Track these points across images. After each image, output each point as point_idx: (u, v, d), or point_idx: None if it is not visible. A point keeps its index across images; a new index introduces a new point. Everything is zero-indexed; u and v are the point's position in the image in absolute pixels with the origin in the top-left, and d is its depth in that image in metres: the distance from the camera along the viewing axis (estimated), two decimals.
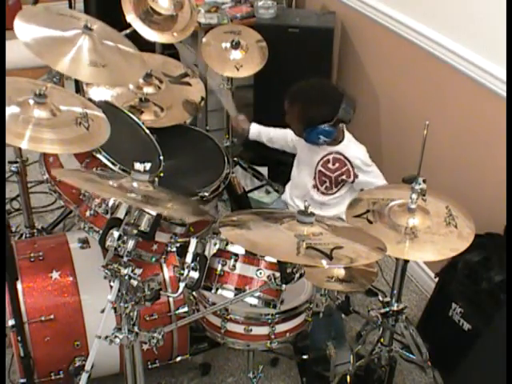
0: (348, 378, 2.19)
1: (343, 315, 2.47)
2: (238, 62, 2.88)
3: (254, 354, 2.16)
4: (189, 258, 1.66)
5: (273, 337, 1.99)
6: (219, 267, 1.71)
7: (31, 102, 1.81)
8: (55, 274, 2.14)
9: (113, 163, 2.04)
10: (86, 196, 1.90)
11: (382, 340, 2.10)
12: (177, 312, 2.18)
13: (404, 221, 1.76)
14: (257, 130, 2.78)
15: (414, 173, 1.84)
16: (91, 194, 1.85)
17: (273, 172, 3.47)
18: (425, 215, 1.78)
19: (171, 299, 2.18)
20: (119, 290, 1.60)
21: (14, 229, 2.90)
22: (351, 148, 2.50)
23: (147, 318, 2.14)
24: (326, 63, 3.27)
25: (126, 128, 2.38)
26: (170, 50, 3.50)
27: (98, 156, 2.03)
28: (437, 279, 2.54)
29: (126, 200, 1.60)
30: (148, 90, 2.65)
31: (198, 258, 1.66)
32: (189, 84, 2.82)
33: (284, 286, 1.70)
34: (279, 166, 3.27)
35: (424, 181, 1.76)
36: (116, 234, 1.61)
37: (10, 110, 1.78)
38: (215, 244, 1.71)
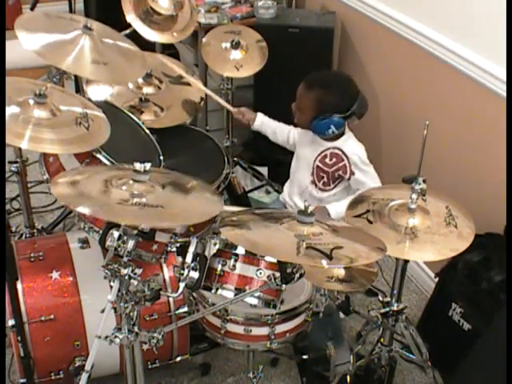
0: (348, 377, 2.19)
1: (343, 315, 2.48)
2: (238, 62, 2.88)
3: (253, 354, 2.16)
4: (189, 258, 1.66)
5: (273, 337, 1.99)
6: (219, 267, 1.71)
7: (31, 102, 1.82)
8: (55, 274, 2.14)
9: (113, 163, 2.04)
10: None
11: (382, 340, 2.09)
12: (177, 312, 2.18)
13: (404, 221, 1.76)
14: (261, 121, 2.78)
15: (414, 173, 1.83)
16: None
17: (273, 172, 3.47)
18: (425, 215, 1.78)
19: (171, 299, 2.18)
20: (119, 290, 1.60)
21: (14, 229, 2.90)
22: (349, 144, 2.50)
23: (147, 318, 2.14)
24: (326, 63, 3.26)
25: (126, 128, 2.38)
26: (170, 50, 3.50)
27: (98, 156, 2.03)
28: (437, 279, 2.54)
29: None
30: (148, 90, 2.66)
31: (198, 258, 1.66)
32: (189, 84, 2.82)
33: (284, 286, 1.70)
34: (279, 166, 3.27)
35: (424, 181, 1.76)
36: (116, 234, 1.61)
37: (10, 110, 1.78)
38: (215, 244, 1.71)
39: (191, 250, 1.67)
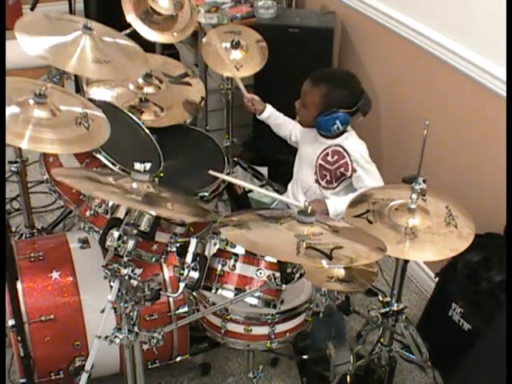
0: (348, 377, 2.19)
1: (343, 315, 2.48)
2: (238, 62, 2.88)
3: (254, 354, 2.16)
4: (189, 258, 1.66)
5: (273, 337, 1.99)
6: (219, 267, 1.71)
7: (31, 101, 1.82)
8: (55, 274, 2.14)
9: (113, 163, 2.04)
10: (86, 196, 1.90)
11: (382, 340, 2.09)
12: (177, 312, 2.18)
13: (404, 221, 1.76)
14: (269, 114, 2.79)
15: (414, 173, 1.83)
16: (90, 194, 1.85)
17: (273, 172, 3.47)
18: (425, 215, 1.78)
19: (171, 299, 2.18)
20: (119, 290, 1.60)
21: (14, 229, 2.90)
22: (351, 141, 2.50)
23: (147, 318, 2.14)
24: (326, 63, 3.26)
25: (126, 128, 2.38)
26: (170, 50, 3.50)
27: (98, 156, 2.03)
28: (437, 279, 2.54)
29: (126, 202, 1.60)
30: (148, 90, 2.65)
31: (198, 258, 1.66)
32: (189, 84, 2.82)
33: (284, 286, 1.70)
34: (279, 166, 3.27)
35: (424, 181, 1.76)
36: (116, 233, 1.61)
37: (10, 109, 1.78)
38: (215, 244, 1.71)
39: (191, 249, 1.67)
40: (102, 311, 1.62)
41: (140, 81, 2.64)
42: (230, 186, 2.75)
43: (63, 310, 2.10)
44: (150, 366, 2.24)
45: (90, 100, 2.18)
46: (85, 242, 2.24)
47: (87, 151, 1.97)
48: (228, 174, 2.55)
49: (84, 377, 1.70)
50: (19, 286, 2.05)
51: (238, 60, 2.89)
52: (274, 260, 1.69)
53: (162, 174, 2.17)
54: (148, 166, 1.67)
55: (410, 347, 2.13)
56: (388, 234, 1.72)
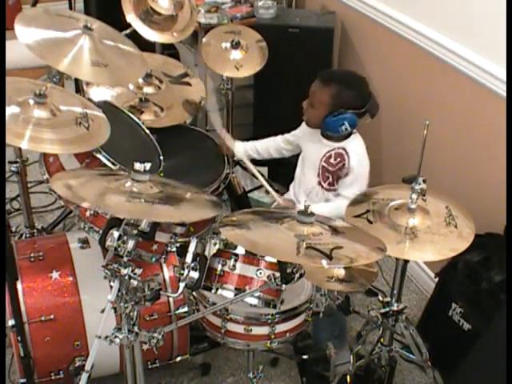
0: (348, 377, 2.19)
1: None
2: (238, 62, 2.88)
3: (254, 353, 2.16)
4: (189, 258, 1.66)
5: (273, 337, 1.99)
6: (219, 267, 1.72)
7: (31, 101, 1.81)
8: (55, 274, 2.14)
9: (113, 163, 2.04)
10: None
11: (382, 340, 2.09)
12: (177, 312, 2.18)
13: (404, 221, 1.76)
14: (242, 149, 2.74)
15: (414, 173, 1.83)
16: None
17: (273, 172, 3.47)
18: (425, 215, 1.78)
19: (171, 299, 2.18)
20: (119, 290, 1.60)
21: (14, 229, 2.90)
22: (354, 144, 2.50)
23: (147, 318, 2.14)
24: (326, 63, 3.26)
25: (126, 128, 2.38)
26: (169, 50, 3.50)
27: (98, 156, 2.03)
28: (437, 279, 2.54)
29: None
30: (148, 90, 2.65)
31: (198, 258, 1.66)
32: (189, 84, 2.82)
33: (284, 286, 1.70)
34: (279, 166, 3.27)
35: (424, 181, 1.76)
36: (116, 234, 1.61)
37: (10, 109, 1.78)
38: (215, 244, 1.71)
39: (191, 249, 1.67)
40: (102, 311, 1.62)
41: (140, 81, 2.64)
42: (229, 186, 2.75)
43: (63, 310, 2.10)
44: (149, 366, 2.24)
45: (90, 100, 2.18)
46: (85, 242, 2.24)
47: (87, 151, 1.97)
48: (228, 174, 2.55)
49: (84, 377, 1.70)
50: (19, 286, 2.05)
51: (238, 60, 2.89)
52: (274, 260, 1.70)
53: (162, 174, 2.17)
54: (148, 165, 1.67)
55: (410, 347, 2.13)
56: (388, 234, 1.72)
